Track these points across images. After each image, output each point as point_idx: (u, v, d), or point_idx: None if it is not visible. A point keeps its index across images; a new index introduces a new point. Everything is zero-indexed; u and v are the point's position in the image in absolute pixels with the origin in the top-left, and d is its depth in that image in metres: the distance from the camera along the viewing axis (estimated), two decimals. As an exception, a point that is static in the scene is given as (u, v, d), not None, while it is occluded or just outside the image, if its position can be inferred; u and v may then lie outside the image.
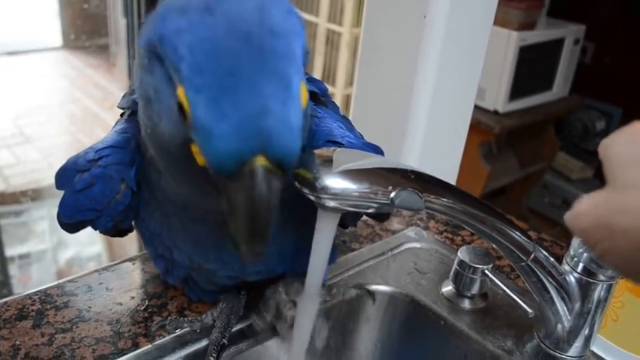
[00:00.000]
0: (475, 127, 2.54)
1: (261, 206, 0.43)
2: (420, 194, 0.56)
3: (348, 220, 0.73)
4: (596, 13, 2.89)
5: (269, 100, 0.40)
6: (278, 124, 0.41)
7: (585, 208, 0.41)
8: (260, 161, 0.41)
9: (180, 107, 0.43)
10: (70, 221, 0.66)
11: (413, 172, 0.58)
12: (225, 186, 0.44)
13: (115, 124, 0.70)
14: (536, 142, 2.93)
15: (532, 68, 2.62)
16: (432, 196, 0.58)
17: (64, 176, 0.65)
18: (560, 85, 2.83)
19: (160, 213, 0.66)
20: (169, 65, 0.43)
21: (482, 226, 0.63)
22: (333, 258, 0.79)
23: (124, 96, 0.71)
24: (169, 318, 0.74)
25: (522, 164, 2.93)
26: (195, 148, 0.44)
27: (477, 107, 2.62)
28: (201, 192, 0.52)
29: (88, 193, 0.63)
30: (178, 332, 0.73)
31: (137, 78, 0.52)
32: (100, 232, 0.69)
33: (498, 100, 2.59)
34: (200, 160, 0.44)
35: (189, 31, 0.41)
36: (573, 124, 3.08)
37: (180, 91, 0.42)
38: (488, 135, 2.62)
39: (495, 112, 2.61)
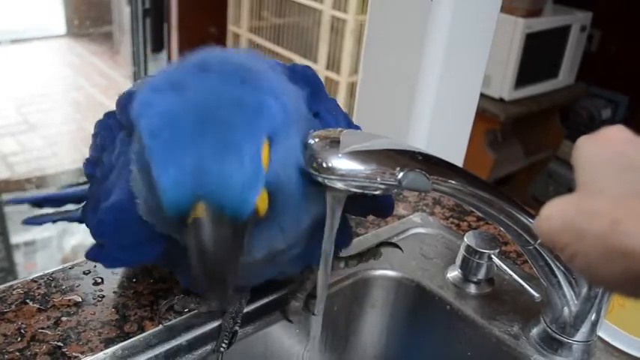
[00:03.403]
0: (480, 115, 2.53)
1: (207, 250, 0.48)
2: (427, 176, 0.56)
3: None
4: (603, 0, 2.86)
5: (205, 161, 0.46)
6: (212, 180, 0.46)
7: (554, 212, 0.41)
8: (199, 210, 0.47)
9: None
10: (113, 267, 0.77)
11: (421, 153, 0.58)
12: (183, 234, 0.50)
13: (122, 148, 0.68)
14: (542, 130, 2.92)
15: (538, 56, 2.61)
16: (439, 178, 0.58)
17: (107, 230, 0.65)
18: (566, 73, 2.82)
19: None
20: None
21: (490, 209, 0.62)
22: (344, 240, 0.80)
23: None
24: (177, 297, 0.74)
25: (527, 152, 2.92)
26: None
27: (482, 95, 2.60)
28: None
29: (138, 249, 0.65)
30: (186, 315, 0.73)
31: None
32: None
33: (504, 87, 2.58)
34: None
35: (152, 105, 0.48)
36: (579, 112, 3.07)
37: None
38: (493, 123, 2.61)
39: (501, 100, 2.60)
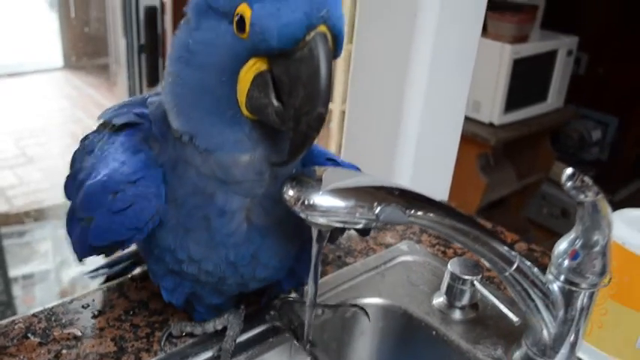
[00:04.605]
0: (471, 139, 2.57)
1: (325, 64, 0.52)
2: (403, 210, 0.60)
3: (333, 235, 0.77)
4: (589, 24, 2.92)
5: None
6: (331, 4, 0.53)
7: None
8: (322, 29, 0.53)
9: (239, 23, 0.55)
10: (103, 244, 0.68)
11: (398, 189, 0.61)
12: (286, 65, 0.54)
13: (107, 141, 0.73)
14: (533, 153, 2.96)
15: (526, 80, 2.65)
16: (416, 211, 0.61)
17: (95, 199, 0.66)
18: (555, 96, 2.87)
19: (176, 221, 0.68)
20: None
21: (465, 239, 0.66)
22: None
23: (107, 110, 0.77)
24: (172, 324, 0.76)
25: (519, 175, 2.95)
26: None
27: (472, 120, 2.65)
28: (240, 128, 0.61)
29: (130, 213, 0.65)
30: (181, 345, 0.76)
31: (179, 45, 0.61)
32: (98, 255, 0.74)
33: (494, 112, 2.62)
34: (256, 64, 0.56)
35: None
36: (569, 134, 3.12)
37: (242, 6, 0.54)
38: (484, 147, 2.64)
39: (491, 125, 2.64)
